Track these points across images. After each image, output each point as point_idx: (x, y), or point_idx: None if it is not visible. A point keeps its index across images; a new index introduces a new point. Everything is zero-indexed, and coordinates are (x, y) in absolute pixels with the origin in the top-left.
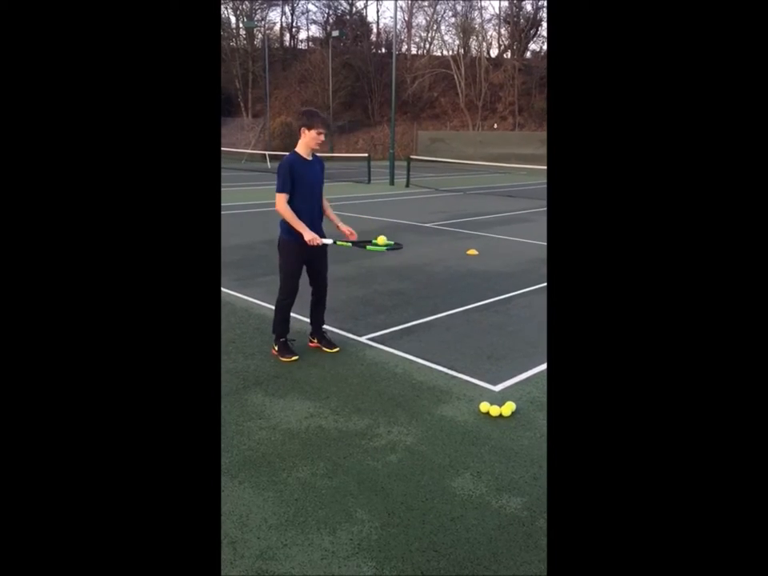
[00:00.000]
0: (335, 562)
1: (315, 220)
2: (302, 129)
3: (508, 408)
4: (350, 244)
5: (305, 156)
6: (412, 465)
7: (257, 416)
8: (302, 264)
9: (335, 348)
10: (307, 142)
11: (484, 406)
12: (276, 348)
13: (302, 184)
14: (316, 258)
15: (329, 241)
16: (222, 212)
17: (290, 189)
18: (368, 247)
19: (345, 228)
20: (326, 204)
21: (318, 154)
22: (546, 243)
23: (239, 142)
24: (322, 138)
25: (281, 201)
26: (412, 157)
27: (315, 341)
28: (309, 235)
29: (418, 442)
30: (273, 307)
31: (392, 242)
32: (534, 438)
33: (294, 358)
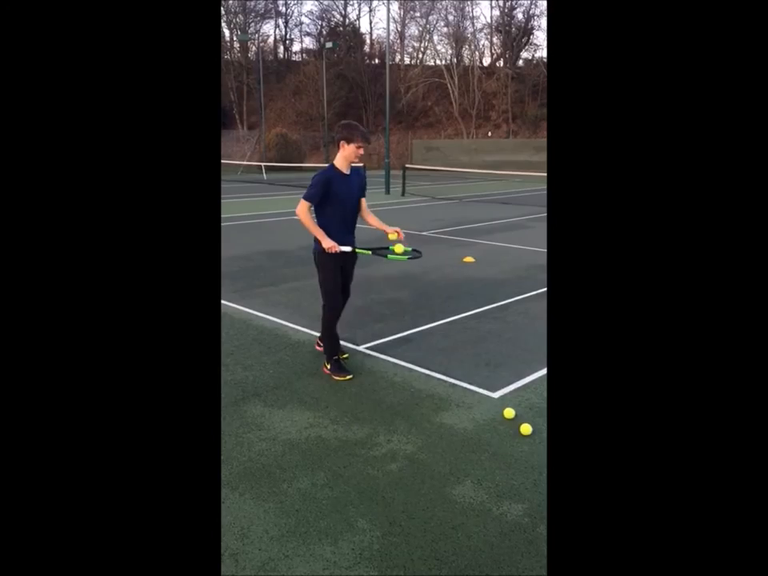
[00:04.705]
0: (337, 573)
1: (347, 234)
2: (341, 142)
3: (525, 428)
4: (369, 252)
5: (343, 170)
6: (412, 473)
7: (256, 427)
8: (339, 273)
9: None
10: (346, 156)
11: (508, 413)
12: (328, 366)
13: (336, 200)
14: (348, 264)
15: (347, 248)
16: None
17: (319, 201)
18: (389, 256)
19: (390, 229)
20: (365, 212)
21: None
22: (542, 250)
23: (235, 153)
24: (362, 151)
25: (303, 207)
26: (407, 166)
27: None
28: (327, 243)
29: (418, 450)
30: (271, 318)
31: (410, 248)
32: (534, 444)
33: (349, 377)
